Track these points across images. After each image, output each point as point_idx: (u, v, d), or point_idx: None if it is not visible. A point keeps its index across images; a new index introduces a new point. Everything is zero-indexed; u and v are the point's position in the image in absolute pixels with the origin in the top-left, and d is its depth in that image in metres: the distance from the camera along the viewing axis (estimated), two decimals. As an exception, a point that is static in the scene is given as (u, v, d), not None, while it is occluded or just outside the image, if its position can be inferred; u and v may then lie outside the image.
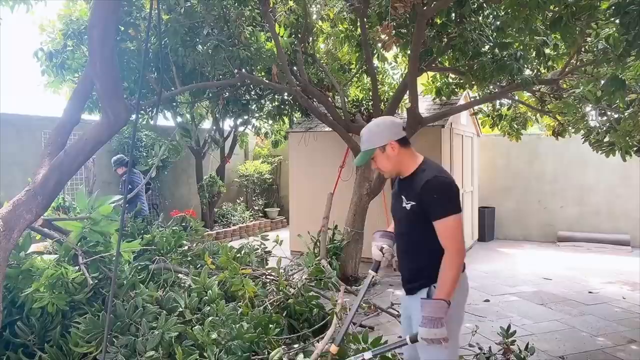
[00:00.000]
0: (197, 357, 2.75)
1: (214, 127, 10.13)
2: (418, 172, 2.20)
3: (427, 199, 2.09)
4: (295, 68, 6.38)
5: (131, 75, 5.88)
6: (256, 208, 11.74)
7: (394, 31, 4.87)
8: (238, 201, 11.66)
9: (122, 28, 5.39)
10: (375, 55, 6.29)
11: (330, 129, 6.58)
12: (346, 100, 7.13)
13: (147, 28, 2.96)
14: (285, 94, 7.73)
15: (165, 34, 5.42)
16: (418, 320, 2.06)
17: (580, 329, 4.61)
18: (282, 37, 5.68)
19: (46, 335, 2.82)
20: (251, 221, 10.99)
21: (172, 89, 5.84)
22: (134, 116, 2.47)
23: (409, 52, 5.99)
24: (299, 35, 6.39)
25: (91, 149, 2.45)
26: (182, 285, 3.74)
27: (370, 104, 7.31)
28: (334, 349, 2.46)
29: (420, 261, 2.22)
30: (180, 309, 3.26)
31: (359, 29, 6.08)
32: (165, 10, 5.64)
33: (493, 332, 4.08)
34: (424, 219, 2.11)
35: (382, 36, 6.20)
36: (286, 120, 8.26)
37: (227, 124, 10.39)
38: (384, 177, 5.69)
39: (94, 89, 2.95)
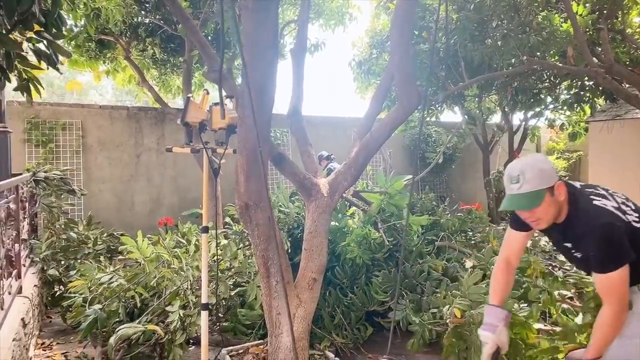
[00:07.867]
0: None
1: (503, 121, 9.93)
2: (571, 216, 1.80)
3: (589, 252, 1.76)
4: (598, 48, 5.71)
5: (423, 74, 6.47)
6: (548, 207, 10.85)
7: None
8: (527, 199, 11.06)
9: (416, 32, 6.02)
10: None
11: (644, 114, 5.61)
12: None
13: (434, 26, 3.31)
14: (586, 79, 6.95)
15: (454, 32, 5.77)
16: None
17: None
18: (579, 15, 5.22)
19: (354, 281, 3.56)
20: (542, 221, 10.24)
21: (461, 83, 6.13)
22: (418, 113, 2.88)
23: None
24: (604, 12, 5.70)
25: (389, 130, 2.98)
26: (465, 267, 4.01)
27: None
28: None
29: None
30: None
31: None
32: (455, 9, 6.00)
33: None
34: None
35: None
36: (586, 108, 7.43)
37: (517, 117, 10.02)
38: None
39: (390, 88, 3.55)
